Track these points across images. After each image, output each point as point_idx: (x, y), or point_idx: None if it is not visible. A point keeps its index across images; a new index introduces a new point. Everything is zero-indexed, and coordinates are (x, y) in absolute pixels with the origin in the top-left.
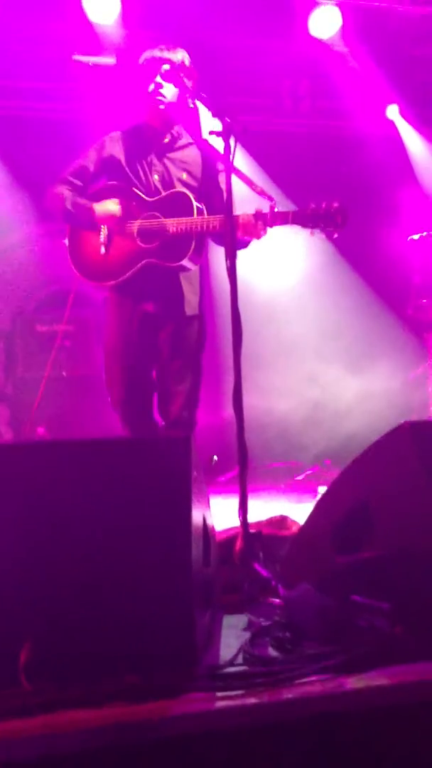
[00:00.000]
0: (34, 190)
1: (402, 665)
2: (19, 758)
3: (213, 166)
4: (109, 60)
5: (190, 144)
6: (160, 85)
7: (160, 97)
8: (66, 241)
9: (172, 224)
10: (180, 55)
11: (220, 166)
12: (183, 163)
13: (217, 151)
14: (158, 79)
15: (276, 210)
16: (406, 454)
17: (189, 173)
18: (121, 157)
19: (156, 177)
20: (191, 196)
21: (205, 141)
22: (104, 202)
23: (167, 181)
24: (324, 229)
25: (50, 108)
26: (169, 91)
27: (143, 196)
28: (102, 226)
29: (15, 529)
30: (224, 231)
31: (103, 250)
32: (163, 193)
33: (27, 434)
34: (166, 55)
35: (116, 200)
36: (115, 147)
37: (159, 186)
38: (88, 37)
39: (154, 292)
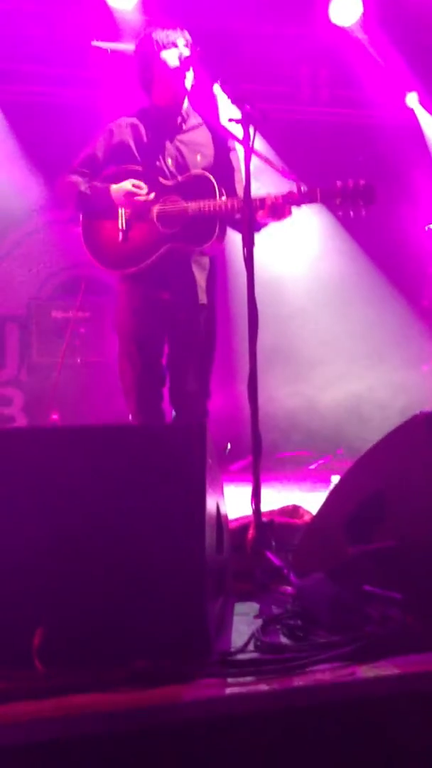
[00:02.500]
0: (52, 176)
1: (413, 655)
2: (30, 740)
3: (224, 145)
4: (128, 46)
5: (200, 124)
6: (185, 67)
7: (186, 80)
8: (80, 230)
9: (195, 207)
10: (188, 36)
11: (231, 144)
12: (196, 144)
13: (226, 129)
14: (179, 60)
15: (303, 188)
16: (421, 445)
17: (203, 155)
18: (131, 142)
19: (170, 161)
20: (213, 177)
21: (215, 119)
22: (121, 183)
23: (181, 165)
24: (352, 207)
25: (68, 94)
26: (191, 74)
27: (161, 179)
28: (120, 212)
29: (27, 515)
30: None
31: (121, 236)
32: (183, 176)
33: (41, 420)
34: (180, 36)
35: (133, 180)
36: (123, 133)
37: (174, 170)
38: (108, 23)
39: (169, 279)
